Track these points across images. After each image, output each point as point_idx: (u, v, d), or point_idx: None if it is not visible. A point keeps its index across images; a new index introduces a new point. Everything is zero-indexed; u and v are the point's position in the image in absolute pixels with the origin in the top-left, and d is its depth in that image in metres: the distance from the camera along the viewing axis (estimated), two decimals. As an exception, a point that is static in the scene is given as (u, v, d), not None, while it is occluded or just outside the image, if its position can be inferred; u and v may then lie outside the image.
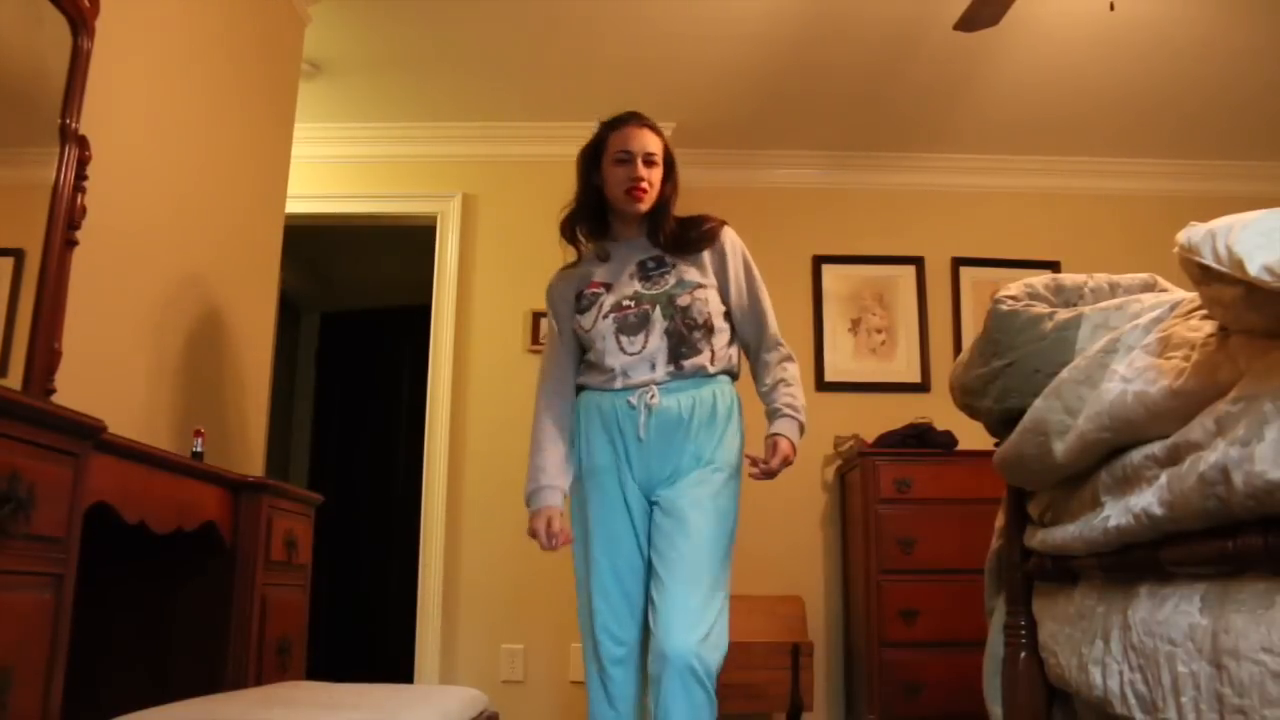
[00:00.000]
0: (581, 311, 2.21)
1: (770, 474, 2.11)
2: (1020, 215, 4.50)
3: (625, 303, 2.16)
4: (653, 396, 2.09)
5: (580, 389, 2.22)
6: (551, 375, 2.24)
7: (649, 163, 2.17)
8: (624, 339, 2.14)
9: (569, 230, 2.30)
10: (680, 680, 1.86)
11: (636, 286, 2.19)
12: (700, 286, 2.16)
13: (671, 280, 2.17)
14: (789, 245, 4.41)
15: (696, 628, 1.90)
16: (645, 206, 2.19)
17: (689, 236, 2.21)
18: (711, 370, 2.14)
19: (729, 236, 2.25)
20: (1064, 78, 3.78)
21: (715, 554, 2.01)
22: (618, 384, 2.13)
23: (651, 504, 2.10)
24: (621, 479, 2.10)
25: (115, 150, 2.13)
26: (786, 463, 2.13)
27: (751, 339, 2.25)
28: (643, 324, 2.14)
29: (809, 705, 3.57)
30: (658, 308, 2.14)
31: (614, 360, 2.13)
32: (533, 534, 2.13)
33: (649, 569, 2.04)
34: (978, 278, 4.40)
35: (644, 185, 2.16)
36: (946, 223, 4.48)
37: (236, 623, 2.13)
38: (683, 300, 2.14)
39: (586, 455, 2.14)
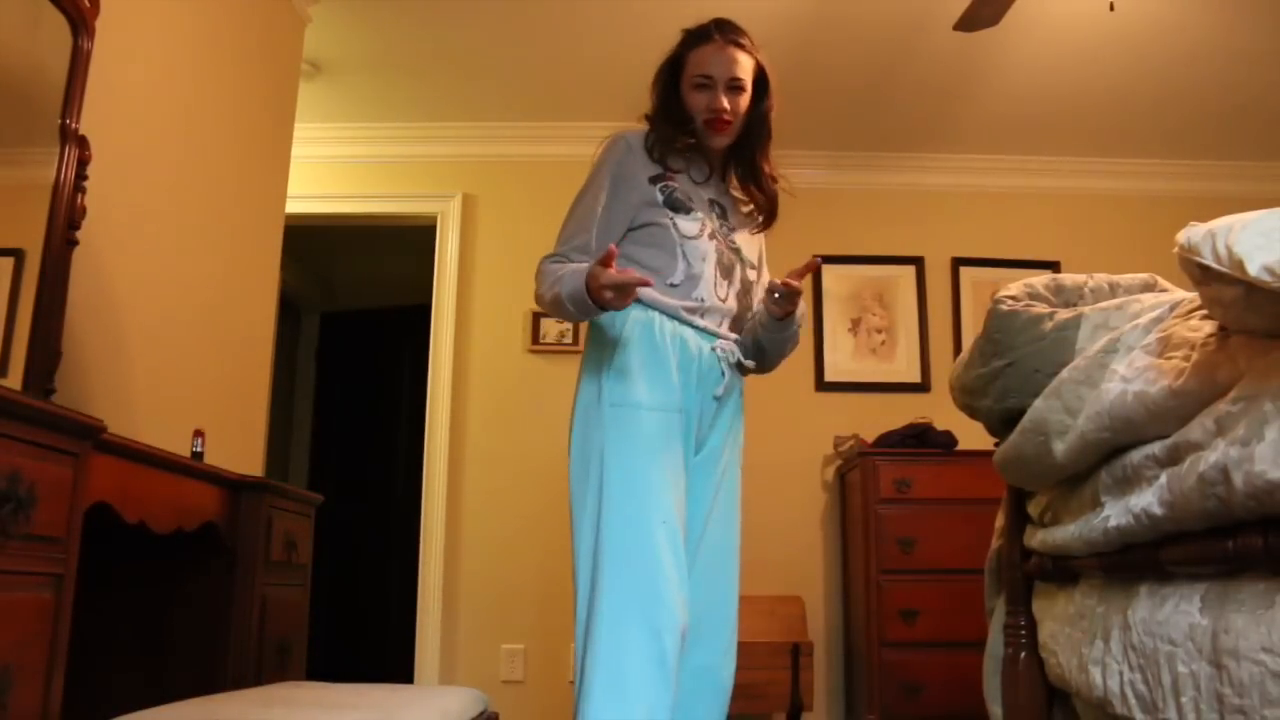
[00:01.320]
0: (677, 209, 1.84)
1: (793, 289, 1.80)
2: (1020, 215, 4.50)
3: (721, 235, 1.88)
4: (735, 358, 1.85)
5: (635, 303, 1.78)
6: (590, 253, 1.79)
7: (733, 88, 1.86)
8: (718, 275, 1.84)
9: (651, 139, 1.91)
10: (724, 705, 1.84)
11: (716, 224, 1.90)
12: (756, 269, 1.95)
13: (737, 243, 1.92)
14: (789, 245, 4.39)
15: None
16: (726, 141, 1.91)
17: (772, 210, 1.96)
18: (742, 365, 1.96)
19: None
20: (1064, 78, 3.78)
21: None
22: (701, 321, 1.83)
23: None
24: (685, 429, 1.78)
25: (115, 150, 2.13)
26: (798, 292, 1.82)
27: None
28: (729, 273, 1.87)
29: (809, 705, 3.57)
30: (738, 265, 1.89)
31: (707, 294, 1.82)
32: (602, 290, 1.64)
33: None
34: (978, 278, 4.39)
35: (726, 116, 1.86)
36: (946, 223, 4.48)
37: (236, 623, 2.13)
38: (750, 275, 1.91)
39: (649, 386, 1.75)
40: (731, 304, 1.88)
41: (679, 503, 1.73)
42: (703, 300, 1.83)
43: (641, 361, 1.76)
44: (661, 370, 1.77)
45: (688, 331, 1.82)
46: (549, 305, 1.79)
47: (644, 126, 1.92)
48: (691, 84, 1.88)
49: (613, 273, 1.63)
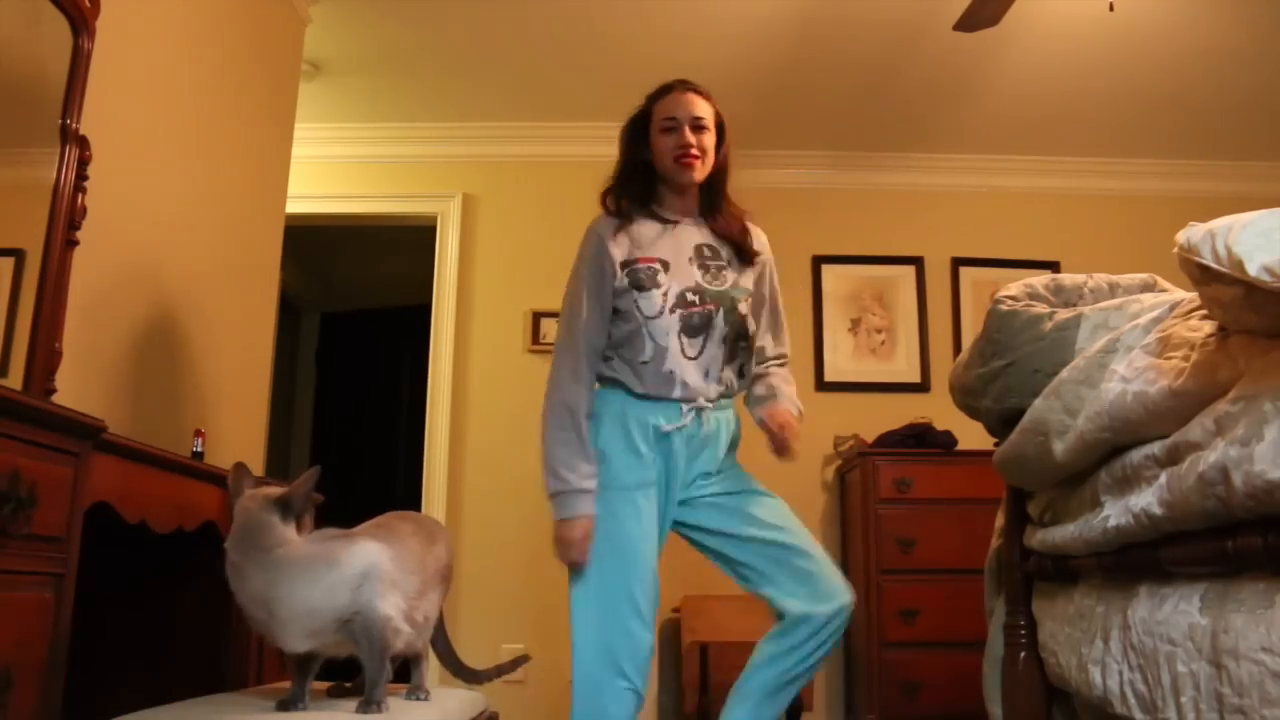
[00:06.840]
0: (641, 289, 1.95)
1: (783, 446, 2.01)
2: (1020, 215, 4.50)
3: (690, 296, 1.95)
4: (708, 417, 1.96)
5: (608, 383, 1.99)
6: (584, 350, 1.96)
7: (698, 128, 1.99)
8: (685, 340, 1.94)
9: (612, 202, 2.05)
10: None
11: (698, 277, 1.98)
12: (750, 296, 2.03)
13: (730, 278, 2.00)
14: (789, 245, 4.39)
15: None
16: (699, 175, 2.01)
17: (744, 235, 2.06)
18: (738, 389, 2.06)
19: (764, 243, 2.11)
20: (1064, 78, 3.78)
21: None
22: (676, 393, 1.94)
23: (681, 505, 2.00)
24: (659, 495, 1.95)
25: (115, 150, 2.13)
26: (791, 429, 2.02)
27: (761, 354, 2.14)
28: (705, 326, 1.96)
29: (809, 705, 3.57)
30: (720, 310, 1.96)
31: (676, 365, 1.93)
32: (566, 543, 1.91)
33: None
34: (978, 278, 4.40)
35: (694, 151, 1.98)
36: (946, 223, 4.48)
37: (237, 622, 2.13)
38: (743, 307, 2.00)
39: (623, 468, 1.93)
40: (713, 351, 1.97)
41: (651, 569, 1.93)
42: (673, 372, 1.94)
43: (608, 447, 1.95)
44: (622, 456, 1.94)
45: (657, 411, 1.94)
46: (543, 454, 1.97)
47: (608, 212, 2.04)
48: (659, 129, 2.01)
49: (578, 553, 1.90)
